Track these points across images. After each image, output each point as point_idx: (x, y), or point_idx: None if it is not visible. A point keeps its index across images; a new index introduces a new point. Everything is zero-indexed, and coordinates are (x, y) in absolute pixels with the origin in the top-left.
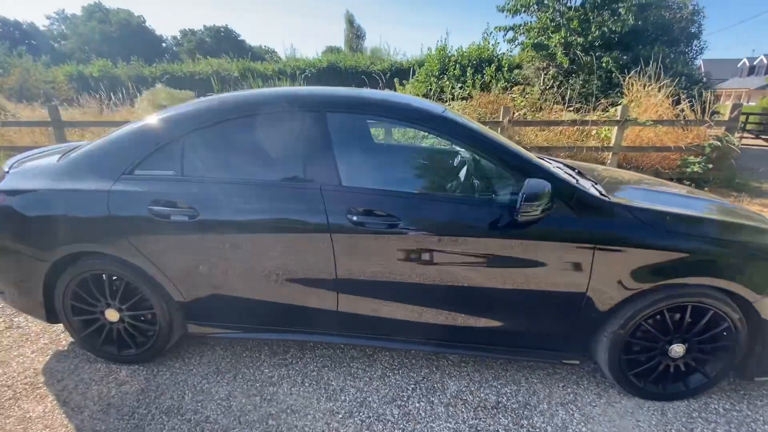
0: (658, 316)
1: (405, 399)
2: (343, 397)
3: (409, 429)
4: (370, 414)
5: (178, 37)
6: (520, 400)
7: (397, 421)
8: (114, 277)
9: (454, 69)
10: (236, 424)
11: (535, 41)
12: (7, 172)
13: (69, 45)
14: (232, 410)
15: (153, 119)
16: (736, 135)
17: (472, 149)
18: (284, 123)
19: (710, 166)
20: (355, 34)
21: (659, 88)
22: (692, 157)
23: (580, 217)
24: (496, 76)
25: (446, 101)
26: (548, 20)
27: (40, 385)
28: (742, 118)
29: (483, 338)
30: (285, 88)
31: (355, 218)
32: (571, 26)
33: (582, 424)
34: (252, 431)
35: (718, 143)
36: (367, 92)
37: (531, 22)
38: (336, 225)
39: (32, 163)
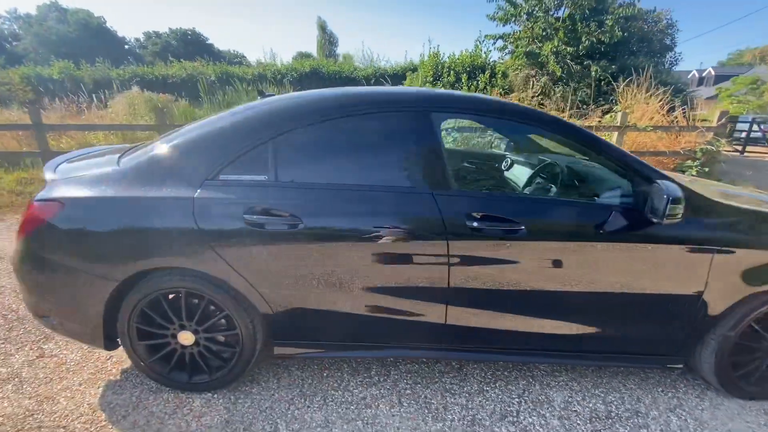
0: (765, 317)
1: (515, 414)
2: (450, 416)
3: None
4: None
5: (142, 40)
6: (628, 408)
7: None
8: (193, 295)
9: (448, 75)
10: None
11: (527, 50)
12: (54, 178)
13: (23, 46)
14: None
15: (233, 119)
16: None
17: (591, 153)
18: (388, 123)
19: (706, 169)
20: (328, 41)
21: (651, 95)
22: (689, 162)
23: (698, 219)
24: (490, 82)
25: None
26: (540, 30)
27: (103, 422)
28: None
29: (591, 345)
30: (380, 87)
31: (475, 224)
32: (558, 36)
33: (698, 429)
34: None
35: (711, 147)
36: (468, 93)
37: (518, 31)
38: (453, 231)
39: (83, 168)
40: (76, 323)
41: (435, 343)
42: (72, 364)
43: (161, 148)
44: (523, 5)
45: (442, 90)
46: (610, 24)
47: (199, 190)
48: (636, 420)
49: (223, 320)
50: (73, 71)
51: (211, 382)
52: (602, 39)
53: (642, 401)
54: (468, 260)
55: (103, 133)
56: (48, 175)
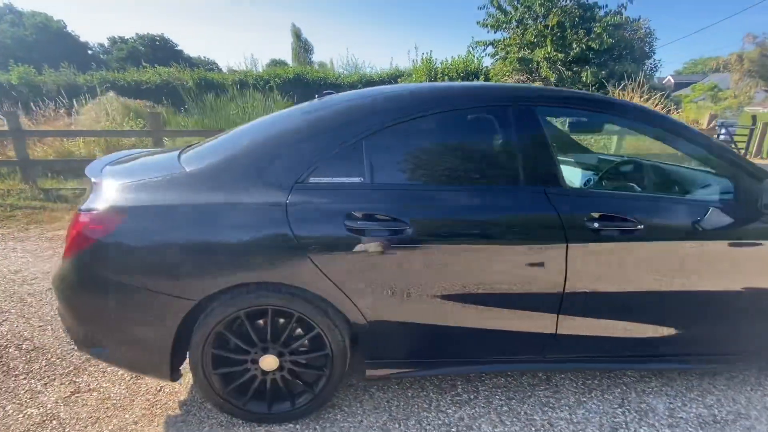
0: None
1: (625, 426)
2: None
3: None
4: None
5: (106, 45)
6: (730, 410)
7: None
8: (280, 313)
9: (442, 80)
10: None
11: (519, 55)
12: (106, 184)
13: None
14: None
15: (310, 118)
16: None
17: (702, 152)
18: (489, 120)
19: None
20: (303, 48)
21: (647, 99)
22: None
23: None
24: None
25: None
26: (532, 36)
27: None
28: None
29: (702, 347)
30: (478, 83)
31: (596, 224)
32: (547, 43)
33: None
34: None
35: None
36: (566, 90)
37: (508, 37)
38: (572, 233)
39: (139, 172)
40: (138, 352)
41: (539, 354)
42: (117, 398)
43: (233, 149)
44: (513, 13)
45: (539, 86)
46: (598, 31)
47: (290, 195)
48: (744, 422)
49: (310, 341)
50: (34, 77)
51: (294, 411)
52: (592, 45)
53: (738, 402)
54: (587, 263)
55: (83, 140)
56: (97, 180)
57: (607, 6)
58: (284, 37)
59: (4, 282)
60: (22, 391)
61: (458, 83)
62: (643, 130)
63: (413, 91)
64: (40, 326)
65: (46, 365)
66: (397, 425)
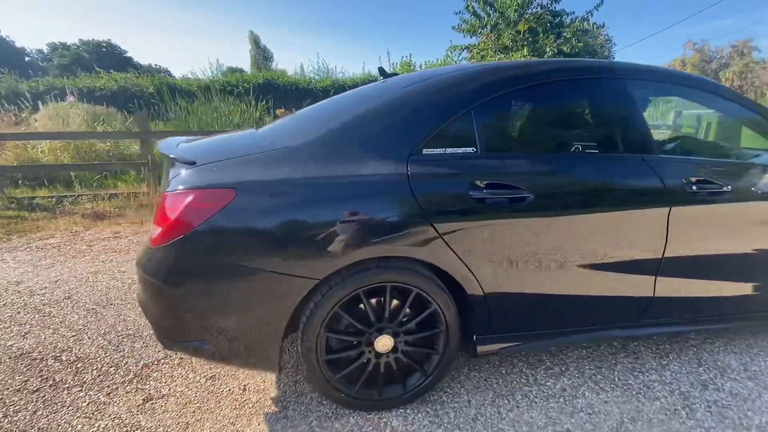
0: None
1: (713, 382)
2: (659, 394)
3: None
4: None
5: (46, 51)
6: None
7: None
8: (398, 290)
9: None
10: None
11: (495, 59)
12: (196, 163)
13: None
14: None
15: (409, 91)
16: None
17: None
18: (586, 91)
19: None
20: (262, 55)
21: None
22: None
23: None
24: None
25: None
26: (508, 40)
27: None
28: None
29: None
30: (570, 59)
31: (693, 188)
32: (522, 48)
33: None
34: None
35: None
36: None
37: (482, 42)
38: (674, 197)
39: (226, 148)
40: (245, 344)
41: (636, 320)
42: (200, 402)
43: (337, 122)
44: (488, 19)
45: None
46: (568, 36)
47: (408, 167)
48: None
49: (426, 318)
50: None
51: (405, 395)
52: (564, 50)
53: None
54: (685, 225)
55: (49, 146)
56: (187, 158)
57: (573, 13)
58: (241, 45)
59: (10, 294)
60: (84, 404)
61: (552, 59)
62: (720, 105)
63: (523, 64)
64: (74, 336)
65: (99, 375)
66: (506, 401)
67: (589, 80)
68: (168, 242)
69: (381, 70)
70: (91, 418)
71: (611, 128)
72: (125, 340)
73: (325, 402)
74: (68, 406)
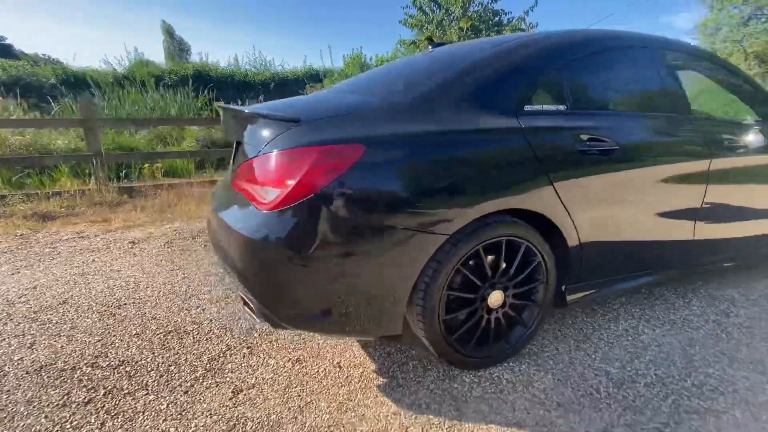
0: None
1: (730, 309)
2: (704, 322)
3: None
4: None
5: None
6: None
7: None
8: (511, 243)
9: None
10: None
11: None
12: (301, 120)
13: None
14: (672, 355)
15: (500, 50)
16: None
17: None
18: (645, 60)
19: None
20: (178, 47)
21: None
22: None
23: None
24: None
25: None
26: (455, 37)
27: (433, 426)
28: None
29: None
30: (622, 31)
31: (726, 143)
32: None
33: None
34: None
35: None
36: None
37: (427, 39)
38: (714, 152)
39: (332, 105)
40: (369, 311)
41: (682, 261)
42: (298, 384)
43: (437, 78)
44: (432, 15)
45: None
46: (509, 32)
47: (520, 120)
48: None
49: (532, 270)
50: None
51: (509, 349)
52: None
53: None
54: (721, 176)
55: None
56: (281, 114)
57: (511, 12)
58: (152, 35)
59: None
60: (162, 407)
61: (609, 30)
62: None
63: (588, 31)
64: (100, 340)
65: (160, 376)
66: (587, 345)
67: (649, 50)
68: (289, 205)
69: (430, 39)
70: (181, 419)
71: (667, 92)
72: (168, 337)
73: (429, 366)
74: (144, 412)
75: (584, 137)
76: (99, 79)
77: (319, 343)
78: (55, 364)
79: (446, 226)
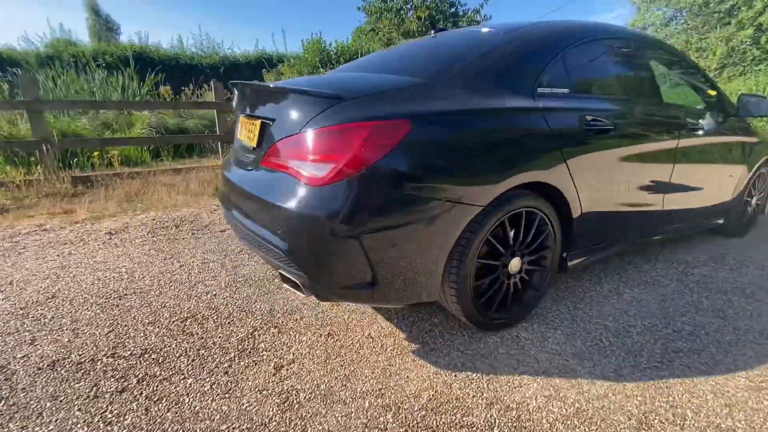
0: None
1: (690, 269)
2: (669, 283)
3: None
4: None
5: None
6: (712, 257)
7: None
8: (529, 214)
9: (338, 63)
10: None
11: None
12: (342, 98)
13: None
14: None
15: (512, 36)
16: None
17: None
18: (628, 51)
19: None
20: (105, 26)
21: None
22: None
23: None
24: None
25: None
26: (415, 26)
27: (480, 381)
28: None
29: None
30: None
31: (689, 126)
32: (426, 32)
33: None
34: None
35: None
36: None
37: (386, 26)
38: (681, 133)
39: (371, 84)
40: (411, 279)
41: (655, 228)
42: (337, 356)
43: (463, 60)
44: (392, 3)
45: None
46: (464, 25)
47: (538, 101)
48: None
49: (546, 239)
50: None
51: (522, 311)
52: None
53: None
54: (685, 154)
55: None
56: (323, 91)
57: (466, 5)
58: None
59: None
60: (207, 387)
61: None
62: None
63: (577, 23)
64: (111, 330)
65: (193, 359)
66: (582, 304)
67: (631, 44)
68: (342, 179)
69: (433, 24)
70: (229, 398)
71: (645, 80)
72: (186, 324)
73: (454, 332)
74: (188, 394)
75: (588, 117)
76: (19, 59)
77: (345, 318)
78: (68, 358)
79: (481, 198)
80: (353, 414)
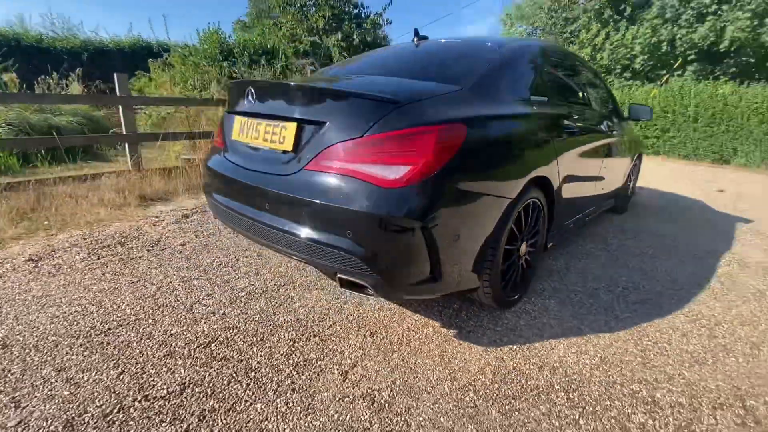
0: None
1: (607, 239)
2: (603, 253)
3: None
4: None
5: None
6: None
7: None
8: (534, 204)
9: (241, 56)
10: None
11: (312, 39)
12: (399, 102)
13: None
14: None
15: (494, 54)
16: None
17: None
18: (573, 67)
19: None
20: None
21: None
22: None
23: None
24: (286, 64)
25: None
26: (322, 23)
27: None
28: None
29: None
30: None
31: (611, 128)
32: (339, 33)
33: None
34: None
35: None
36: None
37: (287, 21)
38: (606, 134)
39: (417, 90)
40: (465, 269)
41: (590, 211)
42: (392, 352)
43: (479, 70)
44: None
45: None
46: (368, 27)
47: (534, 107)
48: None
49: (538, 224)
50: None
51: (524, 288)
52: (367, 38)
53: (618, 224)
54: (608, 149)
55: None
56: (384, 96)
57: (368, 8)
58: None
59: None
60: (282, 408)
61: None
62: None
63: (540, 42)
64: (121, 373)
65: (248, 385)
66: (554, 277)
67: (583, 65)
68: (418, 181)
69: (416, 32)
70: (314, 412)
71: (587, 91)
72: (213, 348)
73: (478, 314)
74: (268, 419)
75: (565, 122)
76: None
77: (376, 317)
78: (85, 413)
79: (512, 192)
80: (441, 400)
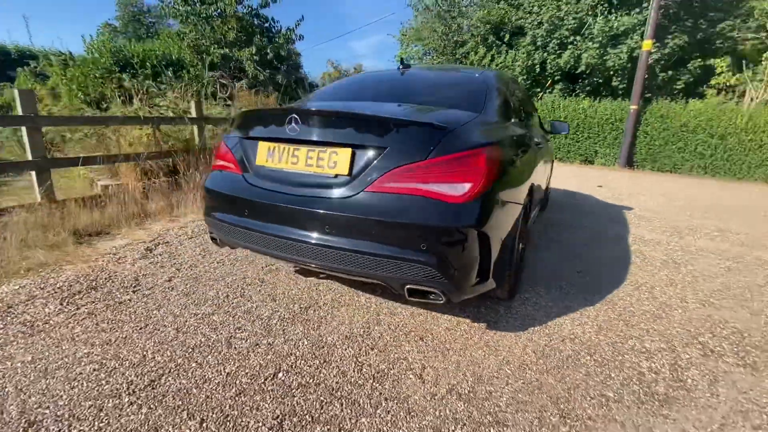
0: None
1: (552, 234)
2: (560, 240)
3: None
4: None
5: None
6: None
7: None
8: (525, 206)
9: (142, 66)
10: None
11: (222, 53)
12: (447, 128)
13: None
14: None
15: (475, 82)
16: None
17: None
18: (522, 91)
19: None
20: None
21: None
22: None
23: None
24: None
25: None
26: (232, 35)
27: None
28: None
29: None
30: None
31: (538, 141)
32: (252, 45)
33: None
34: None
35: None
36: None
37: (187, 31)
38: (540, 145)
39: (455, 116)
40: (500, 269)
41: (541, 207)
42: (452, 353)
43: (482, 94)
44: (200, 7)
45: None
46: (281, 42)
47: (512, 128)
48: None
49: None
50: None
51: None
52: (280, 53)
53: (555, 217)
54: (538, 158)
55: None
56: (435, 122)
57: (279, 22)
58: None
59: None
60: (388, 417)
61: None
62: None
63: (498, 72)
64: (236, 411)
65: (341, 403)
66: (535, 268)
67: (520, 88)
68: (479, 194)
69: (401, 60)
70: (415, 415)
71: (533, 111)
72: (280, 378)
73: (492, 307)
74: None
75: (534, 138)
76: None
77: (415, 322)
78: None
79: (523, 198)
80: (510, 380)
